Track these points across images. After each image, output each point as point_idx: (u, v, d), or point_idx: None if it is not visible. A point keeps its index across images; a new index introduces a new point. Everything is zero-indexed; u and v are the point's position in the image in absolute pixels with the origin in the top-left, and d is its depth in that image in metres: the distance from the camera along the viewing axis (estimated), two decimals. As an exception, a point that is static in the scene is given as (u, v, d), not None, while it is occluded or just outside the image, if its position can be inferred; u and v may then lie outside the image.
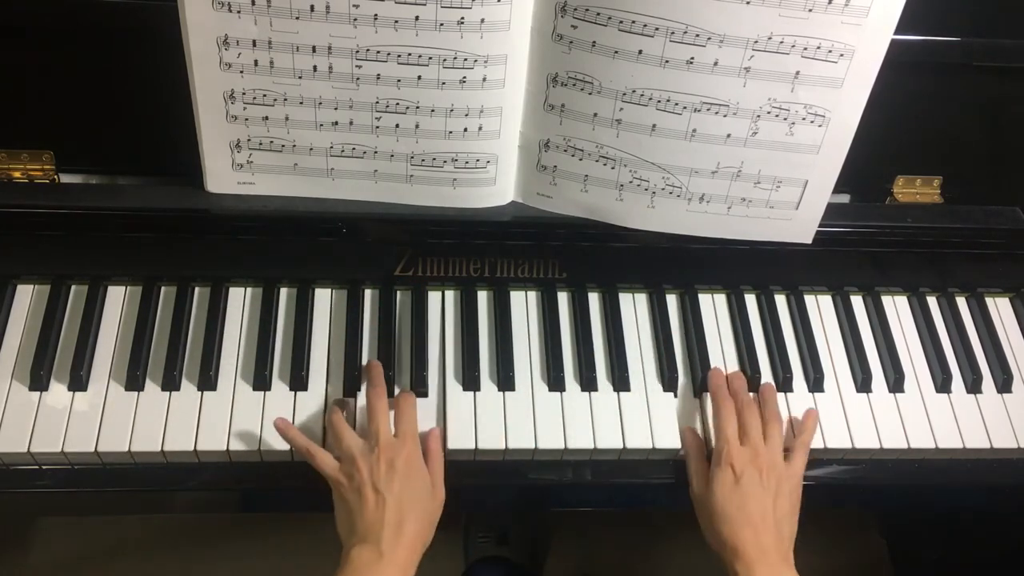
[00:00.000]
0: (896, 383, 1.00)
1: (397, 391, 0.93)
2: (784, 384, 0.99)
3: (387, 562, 0.79)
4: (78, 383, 0.92)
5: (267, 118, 0.86)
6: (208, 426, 0.90)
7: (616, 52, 0.81)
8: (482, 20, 0.79)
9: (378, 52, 0.81)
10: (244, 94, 0.84)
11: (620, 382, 0.96)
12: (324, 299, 1.00)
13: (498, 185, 0.93)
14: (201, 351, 0.95)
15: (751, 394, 0.95)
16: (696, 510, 0.88)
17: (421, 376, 0.95)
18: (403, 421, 0.87)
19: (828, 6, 0.78)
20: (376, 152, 0.89)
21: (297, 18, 0.79)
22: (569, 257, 0.99)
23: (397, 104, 0.85)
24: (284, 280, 1.00)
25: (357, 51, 0.81)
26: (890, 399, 0.99)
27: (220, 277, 1.00)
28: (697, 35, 0.79)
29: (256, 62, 0.82)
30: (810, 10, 0.78)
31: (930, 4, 0.82)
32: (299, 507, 1.15)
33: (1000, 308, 1.08)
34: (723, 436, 0.88)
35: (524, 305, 1.02)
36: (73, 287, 0.99)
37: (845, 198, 1.03)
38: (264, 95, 0.85)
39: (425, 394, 0.94)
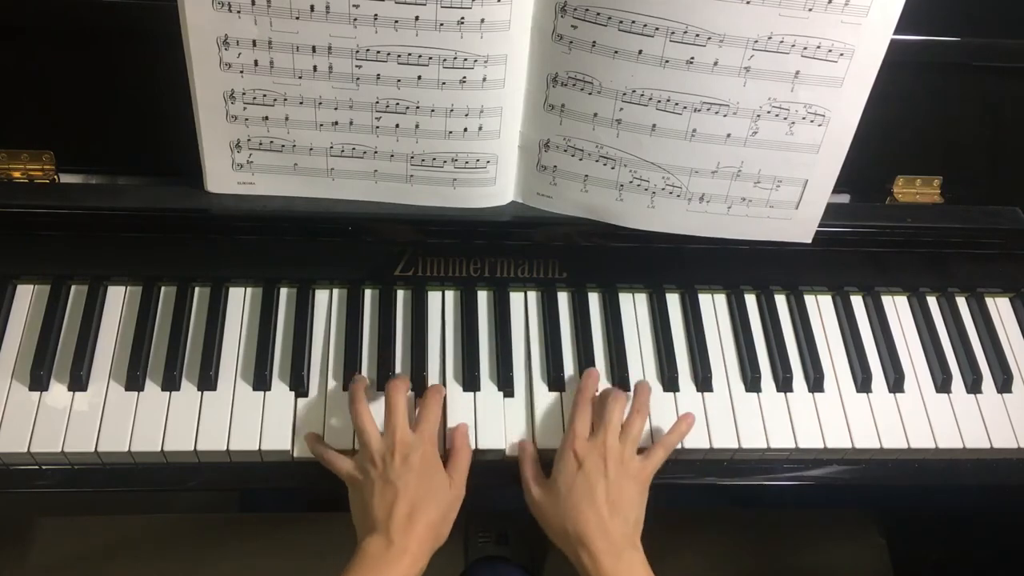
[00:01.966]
0: (896, 383, 1.00)
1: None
2: (784, 384, 0.99)
3: (397, 550, 0.79)
4: (78, 383, 0.92)
5: (267, 118, 0.86)
6: (208, 426, 0.90)
7: (616, 52, 0.81)
8: (482, 20, 0.79)
9: (378, 52, 0.81)
10: (244, 94, 0.84)
11: (620, 382, 0.96)
12: (324, 299, 1.00)
13: (498, 185, 0.93)
14: (201, 351, 0.95)
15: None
16: (536, 513, 0.87)
17: (421, 376, 0.95)
18: (425, 419, 0.87)
19: (828, 6, 0.78)
20: (376, 152, 0.89)
21: (297, 18, 0.79)
22: (569, 257, 0.99)
23: (397, 104, 0.85)
24: (284, 280, 1.00)
25: (357, 51, 0.81)
26: (890, 399, 0.99)
27: (220, 277, 1.00)
28: (697, 35, 0.79)
29: (256, 62, 0.82)
30: (810, 10, 0.78)
31: (930, 4, 0.82)
32: (299, 507, 1.15)
33: (1000, 308, 1.08)
34: (571, 428, 0.87)
35: (524, 305, 1.02)
36: (73, 287, 0.99)
37: (845, 198, 1.03)
38: (264, 95, 0.85)
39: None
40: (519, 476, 0.89)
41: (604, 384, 0.97)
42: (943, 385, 1.00)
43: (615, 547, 0.81)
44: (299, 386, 0.93)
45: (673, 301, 1.04)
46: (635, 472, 0.86)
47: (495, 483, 0.92)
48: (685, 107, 0.84)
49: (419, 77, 0.83)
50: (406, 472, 0.82)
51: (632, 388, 0.95)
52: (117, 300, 0.98)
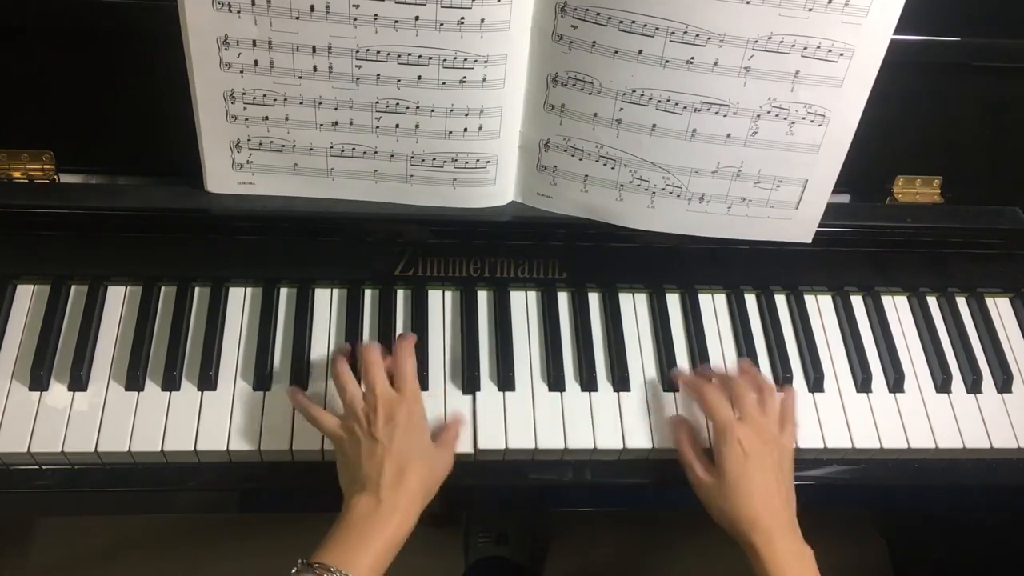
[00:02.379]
0: (896, 383, 1.00)
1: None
2: (784, 384, 0.98)
3: (387, 508, 0.78)
4: (78, 383, 0.92)
5: (267, 118, 0.86)
6: (208, 426, 0.90)
7: (616, 52, 0.81)
8: (482, 20, 0.79)
9: (378, 52, 0.81)
10: (244, 94, 0.84)
11: (620, 382, 0.96)
12: (324, 299, 1.00)
13: (498, 185, 0.93)
14: (201, 351, 0.95)
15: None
16: (702, 496, 0.87)
17: (421, 376, 0.94)
18: (402, 374, 0.87)
19: (828, 6, 0.78)
20: (376, 152, 0.89)
21: (297, 18, 0.79)
22: (569, 257, 0.99)
23: (397, 104, 0.85)
24: (284, 280, 1.00)
25: (357, 51, 0.81)
26: (890, 399, 0.99)
27: (220, 277, 1.00)
28: (697, 35, 0.79)
29: (256, 62, 0.82)
30: (810, 10, 0.78)
31: (930, 4, 0.82)
32: (299, 507, 1.15)
33: (1000, 308, 1.08)
34: (721, 416, 0.87)
35: (524, 305, 1.02)
36: (73, 287, 0.99)
37: (845, 198, 1.03)
38: (264, 95, 0.85)
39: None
40: (680, 457, 0.89)
41: (604, 384, 0.97)
42: (943, 385, 1.00)
43: (785, 530, 0.82)
44: (299, 386, 0.93)
45: (673, 301, 1.04)
46: (790, 450, 0.88)
47: (495, 483, 0.92)
48: (685, 107, 0.84)
49: (419, 77, 0.83)
50: (392, 429, 0.82)
51: (741, 371, 0.96)
52: (117, 300, 0.98)
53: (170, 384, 0.92)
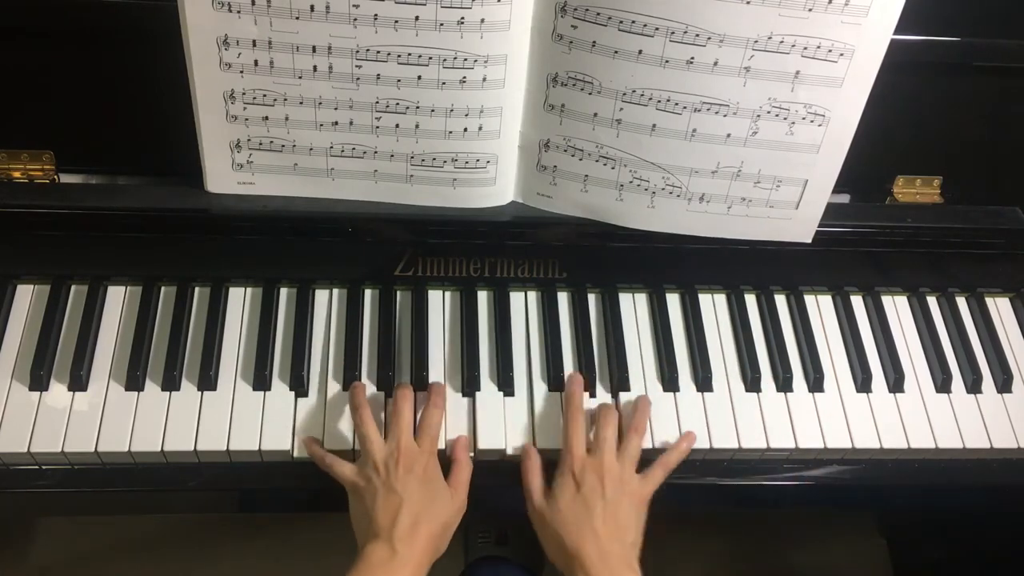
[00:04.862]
0: (896, 383, 1.00)
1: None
2: (784, 384, 0.99)
3: (400, 560, 0.79)
4: (78, 383, 0.92)
5: (267, 118, 0.86)
6: (208, 426, 0.90)
7: (616, 52, 0.81)
8: (482, 20, 0.79)
9: (378, 52, 0.81)
10: (244, 94, 0.84)
11: (620, 382, 0.96)
12: (324, 299, 1.00)
13: (498, 185, 0.93)
14: (201, 351, 0.95)
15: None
16: (536, 525, 0.87)
17: (421, 376, 0.95)
18: (426, 429, 0.88)
19: (828, 6, 0.78)
20: (376, 152, 0.89)
21: (297, 18, 0.79)
22: (569, 257, 0.99)
23: (397, 104, 0.85)
24: (284, 280, 1.00)
25: (357, 51, 0.81)
26: (890, 399, 0.99)
27: (220, 277, 0.99)
28: (697, 35, 0.79)
29: (256, 62, 0.82)
30: (810, 10, 0.78)
31: (930, 4, 0.82)
32: (299, 507, 1.15)
33: (1000, 308, 1.08)
34: (567, 446, 0.87)
35: (524, 305, 1.02)
36: (73, 287, 0.99)
37: (845, 198, 1.03)
38: (264, 95, 0.85)
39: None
40: (522, 482, 0.89)
41: (604, 384, 0.97)
42: (943, 385, 1.00)
43: (611, 570, 0.80)
44: (299, 386, 0.93)
45: (673, 301, 1.04)
46: (634, 492, 0.86)
47: (495, 483, 0.92)
48: (685, 107, 0.84)
49: (419, 77, 0.83)
50: (410, 481, 0.83)
51: (635, 402, 0.95)
52: (117, 300, 0.98)
53: (170, 384, 0.92)
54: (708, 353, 1.00)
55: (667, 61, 0.81)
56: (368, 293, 1.01)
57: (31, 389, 0.92)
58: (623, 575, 0.81)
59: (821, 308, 1.05)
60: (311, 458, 0.89)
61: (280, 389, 0.93)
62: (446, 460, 0.90)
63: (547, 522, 0.85)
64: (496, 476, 0.92)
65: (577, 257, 0.99)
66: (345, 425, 0.91)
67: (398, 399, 0.89)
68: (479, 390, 0.95)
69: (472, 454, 0.91)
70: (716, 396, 0.97)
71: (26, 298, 0.98)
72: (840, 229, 0.97)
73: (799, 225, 0.94)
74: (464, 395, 0.95)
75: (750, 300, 1.05)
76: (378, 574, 0.78)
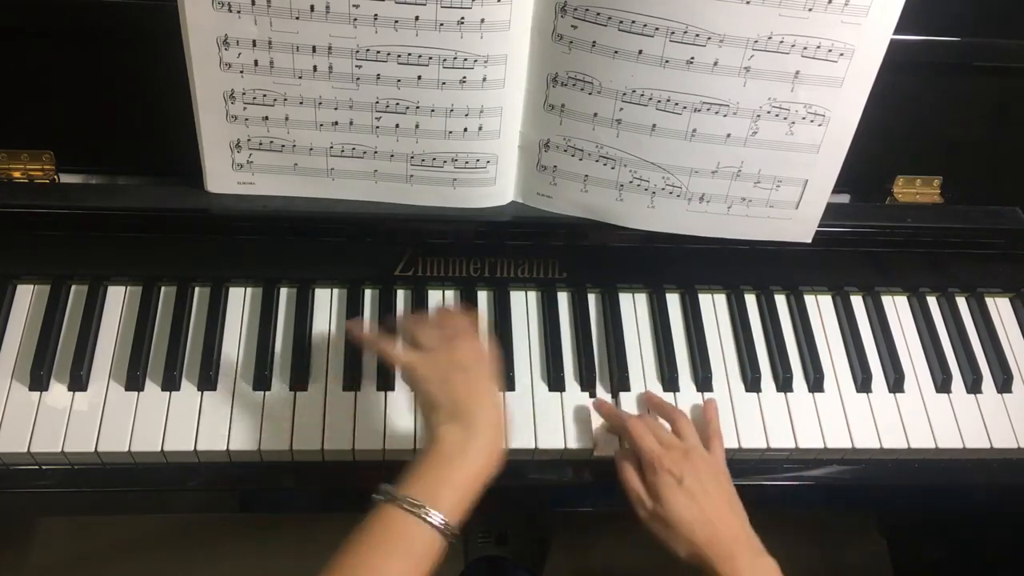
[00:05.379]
0: (896, 383, 1.00)
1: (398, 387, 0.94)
2: (784, 384, 0.99)
3: (475, 442, 0.74)
4: (78, 383, 0.92)
5: (267, 118, 0.86)
6: (208, 426, 0.90)
7: (616, 52, 0.81)
8: (482, 20, 0.79)
9: (378, 52, 0.81)
10: (244, 94, 0.84)
11: (620, 382, 0.96)
12: (324, 299, 1.00)
13: (498, 185, 0.93)
14: (201, 351, 0.95)
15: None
16: (658, 531, 0.84)
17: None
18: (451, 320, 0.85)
19: (828, 6, 0.78)
20: (376, 152, 0.89)
21: (297, 18, 0.79)
22: (569, 257, 0.99)
23: (397, 104, 0.85)
24: (284, 280, 1.00)
25: (357, 51, 0.81)
26: (890, 399, 0.99)
27: (220, 277, 0.99)
28: (697, 35, 0.79)
29: (256, 62, 0.82)
30: (810, 10, 0.78)
31: (930, 4, 0.82)
32: (299, 507, 1.15)
33: (1000, 308, 1.08)
34: (647, 448, 0.85)
35: (524, 305, 1.02)
36: (73, 287, 0.99)
37: (845, 198, 1.03)
38: (264, 95, 0.85)
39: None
40: (626, 488, 0.86)
41: (604, 384, 0.97)
42: (943, 385, 1.00)
43: (744, 546, 0.80)
44: (299, 386, 0.93)
45: (673, 301, 1.04)
46: (719, 465, 0.87)
47: (495, 483, 0.92)
48: (685, 107, 0.84)
49: (419, 77, 0.83)
50: (468, 356, 0.79)
51: (646, 400, 0.95)
52: (117, 300, 0.98)
53: (170, 384, 0.92)
54: (708, 353, 1.00)
55: (667, 61, 0.81)
56: (368, 293, 1.01)
57: (31, 389, 0.92)
58: (759, 555, 0.80)
59: (821, 308, 1.05)
60: (366, 344, 0.90)
61: (280, 389, 0.93)
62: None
63: (670, 525, 0.82)
64: (496, 476, 0.92)
65: (577, 257, 0.99)
66: (345, 426, 0.91)
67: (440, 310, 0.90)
68: (479, 390, 0.95)
69: None
70: (716, 396, 0.97)
71: (26, 298, 0.98)
72: (840, 229, 0.97)
73: (799, 225, 0.94)
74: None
75: (750, 300, 1.05)
76: (458, 458, 0.73)
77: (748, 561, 0.79)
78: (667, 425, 0.90)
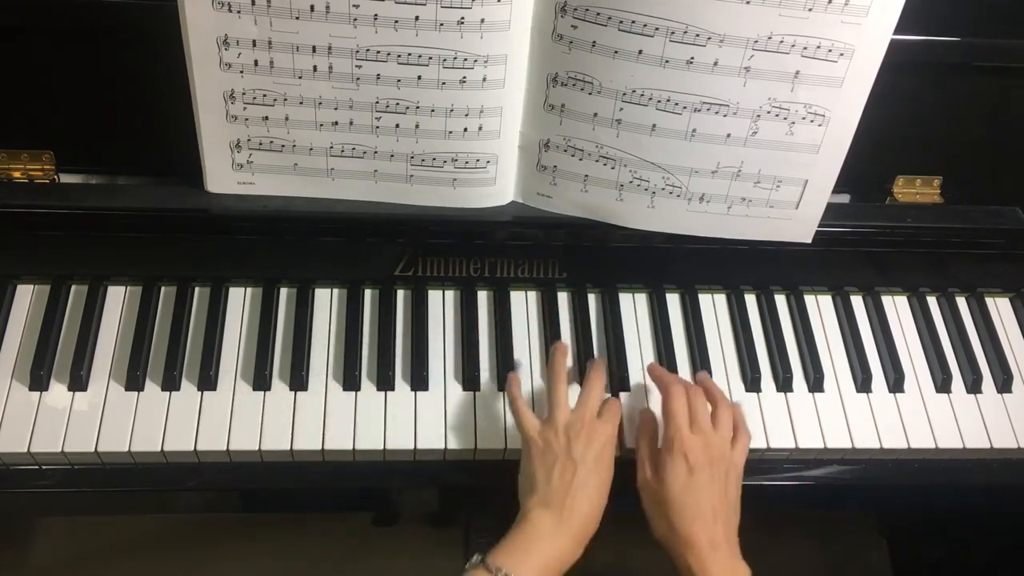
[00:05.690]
0: (896, 383, 1.00)
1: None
2: (784, 384, 0.99)
3: (565, 531, 0.80)
4: (78, 383, 0.92)
5: (267, 118, 0.86)
6: (208, 426, 0.90)
7: (616, 52, 0.81)
8: (482, 20, 0.79)
9: (378, 52, 0.81)
10: (244, 94, 0.84)
11: (620, 382, 0.97)
12: (324, 299, 1.00)
13: (498, 185, 0.93)
14: (201, 351, 0.95)
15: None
16: (645, 498, 0.86)
17: (421, 376, 0.95)
18: (609, 409, 0.88)
19: (828, 6, 0.78)
20: (376, 152, 0.89)
21: (297, 18, 0.79)
22: (569, 257, 0.99)
23: (397, 104, 0.85)
24: (284, 280, 1.00)
25: (357, 51, 0.81)
26: (890, 399, 0.99)
27: (220, 277, 1.00)
28: (697, 35, 0.79)
29: (256, 62, 0.82)
30: (810, 9, 0.78)
31: (930, 4, 0.82)
32: (299, 507, 1.15)
33: (1000, 308, 1.08)
34: (674, 423, 0.85)
35: (524, 305, 1.02)
36: (73, 287, 0.99)
37: (845, 198, 1.03)
38: (264, 95, 0.85)
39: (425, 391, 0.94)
40: (637, 449, 0.88)
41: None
42: (943, 385, 1.00)
43: (721, 555, 0.81)
44: (299, 386, 0.93)
45: (673, 301, 1.04)
46: (737, 466, 0.86)
47: (495, 483, 0.92)
48: (685, 107, 0.84)
49: (419, 77, 0.83)
50: (588, 453, 0.83)
51: (698, 380, 0.95)
52: (117, 300, 0.98)
53: (170, 384, 0.92)
54: (708, 353, 1.00)
55: (667, 61, 0.81)
56: (368, 293, 1.01)
57: (31, 389, 0.92)
58: (730, 565, 0.81)
59: (821, 308, 1.05)
60: (508, 396, 0.90)
61: (280, 389, 0.93)
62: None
63: (659, 501, 0.84)
64: (497, 475, 0.92)
65: (577, 257, 0.99)
66: (345, 426, 0.91)
67: (592, 372, 0.90)
68: (479, 389, 0.95)
69: (472, 449, 0.91)
70: (716, 396, 0.97)
71: (26, 298, 0.98)
72: (840, 229, 0.97)
73: (799, 225, 0.94)
74: (464, 393, 0.95)
75: (750, 300, 1.05)
76: (540, 539, 0.79)
77: (719, 566, 0.80)
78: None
